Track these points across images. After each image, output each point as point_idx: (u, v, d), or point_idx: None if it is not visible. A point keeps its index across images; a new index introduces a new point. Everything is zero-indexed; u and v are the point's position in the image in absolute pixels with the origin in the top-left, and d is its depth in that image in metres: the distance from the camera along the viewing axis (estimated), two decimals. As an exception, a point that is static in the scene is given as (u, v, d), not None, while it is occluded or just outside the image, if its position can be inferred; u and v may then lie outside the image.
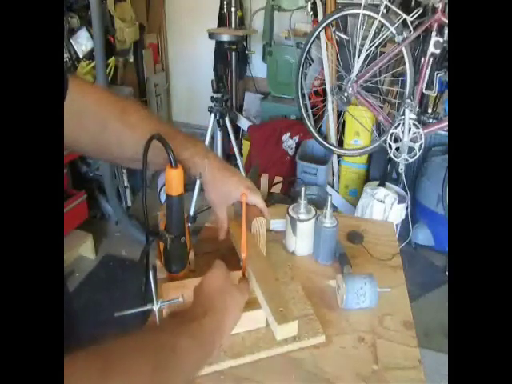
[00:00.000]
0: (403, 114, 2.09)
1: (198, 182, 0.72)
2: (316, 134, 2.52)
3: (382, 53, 2.25)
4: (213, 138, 2.33)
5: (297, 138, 2.67)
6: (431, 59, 2.02)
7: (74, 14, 2.33)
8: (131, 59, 2.95)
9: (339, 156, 2.64)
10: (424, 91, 2.10)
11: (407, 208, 2.22)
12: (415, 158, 2.12)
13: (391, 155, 2.18)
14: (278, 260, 0.89)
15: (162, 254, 0.73)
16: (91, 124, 0.63)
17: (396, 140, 2.15)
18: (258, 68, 3.18)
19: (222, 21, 3.00)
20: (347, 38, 2.34)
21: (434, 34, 1.96)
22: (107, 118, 0.64)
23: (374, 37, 2.15)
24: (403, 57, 2.07)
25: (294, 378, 0.64)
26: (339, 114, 2.59)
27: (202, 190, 0.75)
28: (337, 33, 2.37)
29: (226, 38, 2.70)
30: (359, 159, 2.58)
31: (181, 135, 0.69)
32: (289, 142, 2.69)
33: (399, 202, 2.11)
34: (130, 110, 0.66)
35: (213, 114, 2.23)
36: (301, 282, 0.82)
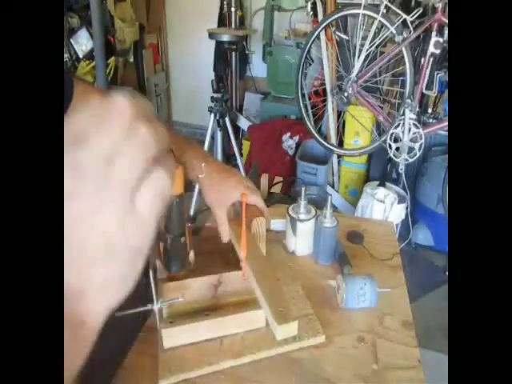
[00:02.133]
0: (403, 114, 2.09)
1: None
2: (316, 134, 2.52)
3: (382, 53, 2.25)
4: (213, 138, 2.33)
5: (297, 138, 2.67)
6: (431, 59, 2.01)
7: (74, 14, 2.33)
8: (131, 59, 2.95)
9: (339, 156, 2.64)
10: (424, 91, 2.10)
11: (407, 208, 2.22)
12: (415, 158, 2.12)
13: (391, 155, 2.18)
14: (278, 260, 0.89)
15: (162, 254, 0.73)
16: None
17: (396, 140, 2.15)
18: (258, 68, 3.19)
19: (222, 21, 3.01)
20: (347, 37, 2.34)
21: (434, 34, 1.96)
22: None
23: (374, 37, 2.15)
24: (403, 57, 2.07)
25: (294, 378, 0.64)
26: (339, 114, 2.59)
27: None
28: (337, 33, 2.37)
29: (226, 37, 2.70)
30: (359, 159, 2.58)
31: (179, 138, 0.69)
32: (289, 141, 2.69)
33: (399, 202, 2.11)
34: None
35: (213, 114, 2.23)
36: (301, 282, 0.82)
